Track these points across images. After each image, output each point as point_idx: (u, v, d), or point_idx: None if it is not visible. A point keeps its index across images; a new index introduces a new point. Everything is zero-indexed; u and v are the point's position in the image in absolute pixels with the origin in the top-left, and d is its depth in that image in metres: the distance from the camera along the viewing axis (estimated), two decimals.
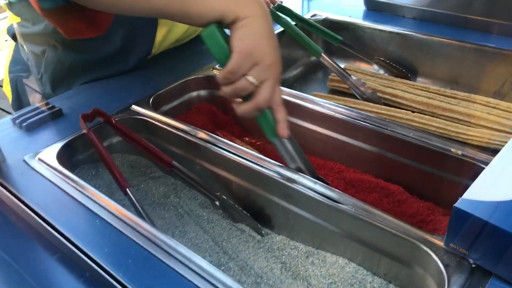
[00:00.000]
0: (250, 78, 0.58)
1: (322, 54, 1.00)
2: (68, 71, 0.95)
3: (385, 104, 0.96)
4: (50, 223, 0.61)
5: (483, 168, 0.67)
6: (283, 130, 0.64)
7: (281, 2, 1.27)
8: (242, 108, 0.62)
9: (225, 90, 0.61)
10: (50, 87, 0.99)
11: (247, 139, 0.92)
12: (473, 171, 0.69)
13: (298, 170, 0.68)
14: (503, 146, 0.82)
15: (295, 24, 1.06)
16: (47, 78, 0.97)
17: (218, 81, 0.62)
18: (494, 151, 0.81)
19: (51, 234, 0.60)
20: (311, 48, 1.01)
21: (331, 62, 1.00)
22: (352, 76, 1.00)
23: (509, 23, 1.04)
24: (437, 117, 0.93)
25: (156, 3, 0.62)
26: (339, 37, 1.05)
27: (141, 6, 0.63)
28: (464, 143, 0.85)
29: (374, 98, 0.97)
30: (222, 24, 0.60)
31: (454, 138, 0.87)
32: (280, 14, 1.07)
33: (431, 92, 0.99)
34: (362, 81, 0.99)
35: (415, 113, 0.91)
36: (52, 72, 0.96)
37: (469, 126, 0.89)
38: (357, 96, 0.98)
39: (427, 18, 1.14)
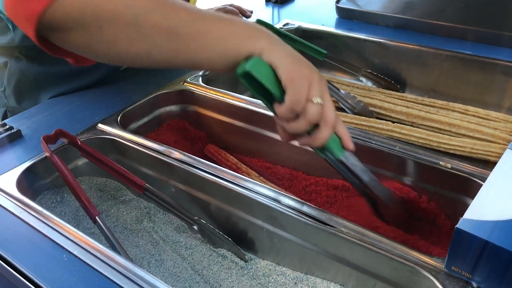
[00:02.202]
0: (315, 99, 0.51)
1: None
2: (33, 83, 0.91)
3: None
4: (9, 262, 0.54)
5: (474, 181, 0.65)
6: (349, 144, 0.58)
7: (251, 12, 1.24)
8: (319, 137, 0.54)
9: (295, 126, 0.53)
10: (14, 100, 0.93)
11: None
12: (464, 184, 0.66)
13: (371, 178, 0.62)
14: (486, 155, 0.82)
15: None
16: (11, 90, 0.92)
17: (283, 122, 0.54)
18: (480, 162, 0.81)
19: (11, 275, 0.53)
20: None
21: None
22: (340, 90, 0.97)
23: (483, 29, 1.03)
24: (417, 127, 0.91)
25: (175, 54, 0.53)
26: (323, 51, 1.01)
27: (155, 54, 0.54)
28: (447, 153, 0.82)
29: (365, 111, 0.94)
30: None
31: (436, 148, 0.85)
32: None
33: (409, 101, 0.97)
34: (352, 94, 0.96)
35: (395, 124, 0.89)
36: (15, 84, 0.91)
37: (450, 135, 0.87)
38: (347, 111, 0.95)
39: (401, 26, 1.13)
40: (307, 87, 0.51)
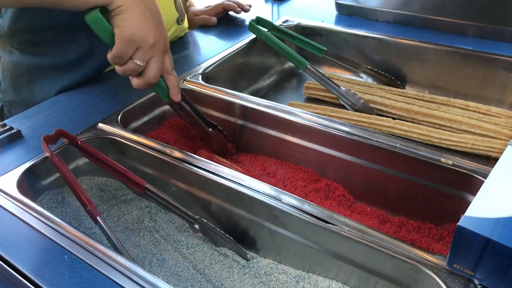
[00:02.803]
0: (136, 61, 0.64)
1: (308, 66, 0.96)
2: (28, 76, 0.92)
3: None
4: (10, 263, 0.54)
5: (475, 178, 0.65)
6: (175, 96, 0.72)
7: (250, 6, 1.23)
8: (135, 84, 0.68)
9: (117, 70, 0.66)
10: (12, 93, 0.94)
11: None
12: (466, 181, 0.66)
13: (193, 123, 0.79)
14: (487, 151, 0.81)
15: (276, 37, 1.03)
16: (7, 84, 0.93)
17: (109, 61, 0.65)
18: (481, 158, 0.80)
19: (12, 276, 0.53)
20: (296, 61, 0.98)
21: (318, 74, 0.97)
22: (341, 87, 0.96)
23: (484, 24, 1.03)
24: (418, 123, 0.91)
25: None
26: (323, 47, 1.01)
27: None
28: (448, 150, 0.82)
29: (366, 108, 0.93)
30: (106, 9, 0.63)
31: (437, 145, 0.85)
32: (260, 28, 1.04)
33: (409, 97, 0.97)
34: (352, 91, 0.95)
35: (396, 120, 0.88)
36: (11, 77, 0.92)
37: (451, 131, 0.87)
38: (348, 108, 0.95)
39: (401, 22, 1.12)
40: (132, 49, 0.63)
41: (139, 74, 0.67)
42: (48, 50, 0.90)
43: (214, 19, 1.20)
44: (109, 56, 0.64)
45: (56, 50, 0.90)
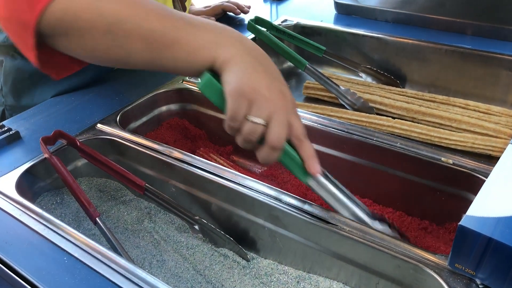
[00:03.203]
0: (252, 117, 0.52)
1: (307, 65, 0.96)
2: (30, 81, 0.91)
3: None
4: (9, 265, 0.54)
5: (476, 177, 0.65)
6: (313, 167, 0.56)
7: (249, 7, 1.23)
8: (260, 155, 0.55)
9: (239, 140, 0.55)
10: (12, 99, 0.94)
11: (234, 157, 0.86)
12: (466, 180, 0.66)
13: (349, 212, 0.59)
14: (488, 150, 0.81)
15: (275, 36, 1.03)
16: (8, 89, 0.93)
17: (227, 130, 0.56)
18: (482, 157, 0.80)
19: (11, 278, 0.53)
20: (295, 60, 0.98)
21: (317, 73, 0.97)
22: (340, 86, 0.96)
23: (483, 23, 1.03)
24: (418, 123, 0.90)
25: (142, 56, 0.56)
26: (322, 47, 1.01)
27: (133, 61, 0.58)
28: (449, 149, 0.82)
29: (365, 107, 0.93)
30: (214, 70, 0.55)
31: (437, 144, 0.84)
32: (259, 27, 1.03)
33: (409, 97, 0.97)
34: (351, 90, 0.95)
35: (395, 119, 0.88)
36: (12, 83, 0.92)
37: (451, 130, 0.87)
38: (347, 107, 0.94)
39: (400, 21, 1.12)
40: (245, 105, 0.52)
41: (262, 141, 0.54)
42: None
43: (213, 20, 1.20)
44: (226, 123, 0.54)
45: None
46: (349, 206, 0.59)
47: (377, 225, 0.58)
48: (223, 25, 0.57)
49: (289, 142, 0.55)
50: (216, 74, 0.54)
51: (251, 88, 0.52)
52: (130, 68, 0.62)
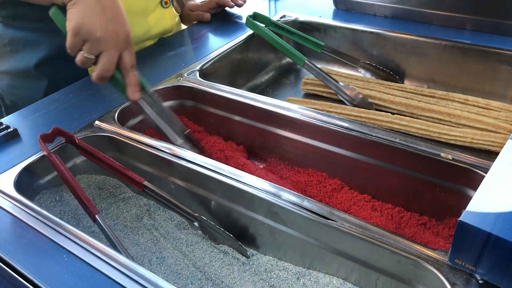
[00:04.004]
0: (83, 53, 0.66)
1: (306, 61, 0.96)
2: (10, 46, 0.97)
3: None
4: (8, 263, 0.54)
5: (475, 172, 0.65)
6: (133, 94, 0.70)
7: (244, 1, 1.23)
8: (92, 78, 0.69)
9: (75, 61, 0.68)
10: None
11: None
12: (466, 176, 0.66)
13: (160, 131, 0.73)
14: (487, 145, 0.81)
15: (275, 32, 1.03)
16: None
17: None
18: (481, 152, 0.80)
19: (11, 276, 0.53)
20: (293, 56, 0.97)
21: (316, 69, 0.96)
22: (339, 82, 0.96)
23: (482, 18, 1.02)
24: (417, 118, 0.90)
25: None
26: (321, 43, 1.01)
27: None
28: (448, 144, 0.82)
29: (364, 103, 0.93)
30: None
31: (436, 139, 0.84)
32: (258, 23, 1.03)
33: (408, 92, 0.97)
34: (351, 86, 0.95)
35: (395, 115, 0.88)
36: None
37: (451, 125, 0.87)
38: (346, 103, 0.94)
39: (399, 16, 1.12)
40: (80, 42, 0.65)
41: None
42: (28, 24, 0.95)
43: (208, 15, 1.19)
44: (66, 47, 0.67)
45: (34, 24, 0.94)
46: (158, 126, 0.73)
47: (179, 142, 0.74)
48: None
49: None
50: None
51: (86, 30, 0.65)
52: None
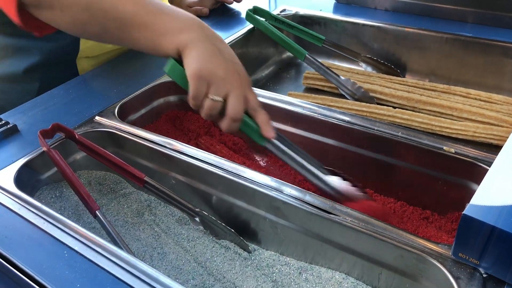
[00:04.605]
0: (211, 96, 0.61)
1: (307, 55, 0.95)
2: (3, 52, 0.96)
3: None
4: (9, 260, 0.53)
5: (478, 166, 0.64)
6: (268, 132, 0.64)
7: None
8: (222, 126, 0.64)
9: (202, 114, 0.63)
10: None
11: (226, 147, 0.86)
12: (468, 169, 0.65)
13: (303, 168, 0.65)
14: (489, 139, 0.81)
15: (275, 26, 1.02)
16: None
17: (192, 106, 0.64)
18: (483, 146, 0.80)
19: (11, 273, 0.53)
20: (294, 50, 0.97)
21: (317, 63, 0.96)
22: (340, 76, 0.95)
23: (484, 11, 1.02)
24: (419, 112, 0.90)
25: (122, 37, 0.65)
26: (321, 36, 1.00)
27: (107, 37, 0.67)
28: (450, 138, 0.81)
29: (366, 97, 0.92)
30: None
31: (439, 133, 0.84)
32: (258, 17, 1.02)
33: (409, 86, 0.96)
34: (352, 80, 0.94)
35: (396, 109, 0.88)
36: None
37: (452, 119, 0.86)
38: (347, 97, 0.94)
39: (400, 9, 1.11)
40: (205, 86, 0.60)
41: (223, 114, 0.63)
42: (18, 30, 0.91)
43: (206, 10, 1.19)
44: (189, 101, 0.62)
45: (23, 32, 0.91)
46: (302, 163, 0.66)
47: (330, 178, 0.65)
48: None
49: (248, 114, 0.64)
50: (180, 59, 0.62)
51: (208, 71, 0.60)
52: (104, 42, 0.76)
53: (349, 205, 0.60)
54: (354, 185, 0.66)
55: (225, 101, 0.61)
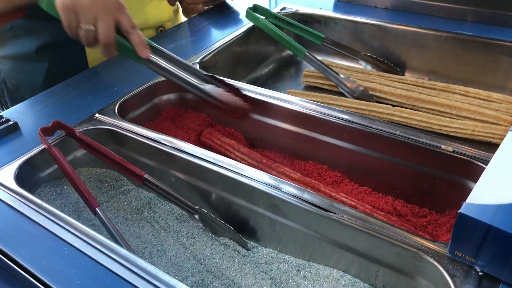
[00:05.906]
0: (82, 25, 0.66)
1: (306, 54, 0.96)
2: (12, 32, 0.98)
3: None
4: (10, 256, 0.54)
5: (476, 164, 0.65)
6: (142, 52, 0.69)
7: None
8: (101, 52, 0.69)
9: (83, 44, 0.69)
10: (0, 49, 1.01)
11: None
12: (466, 168, 0.66)
13: (183, 81, 0.71)
14: (488, 137, 0.81)
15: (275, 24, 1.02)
16: None
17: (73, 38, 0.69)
18: (482, 144, 0.80)
19: (12, 269, 0.53)
20: (294, 48, 0.97)
21: (316, 61, 0.96)
22: (340, 74, 0.96)
23: (483, 9, 1.02)
24: (418, 110, 0.90)
25: None
26: (321, 35, 1.01)
27: None
28: (449, 136, 0.82)
29: (365, 95, 0.93)
30: None
31: (437, 131, 0.84)
32: (258, 15, 1.02)
33: (409, 84, 0.96)
34: (351, 78, 0.95)
35: (395, 107, 0.88)
36: None
37: (451, 118, 0.87)
38: (347, 95, 0.94)
39: (400, 8, 1.11)
40: (73, 16, 0.65)
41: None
42: (28, 11, 0.92)
43: (200, 6, 1.19)
44: (67, 31, 0.68)
45: (34, 12, 0.91)
46: (181, 76, 0.71)
47: (207, 87, 0.71)
48: None
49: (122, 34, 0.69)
50: None
51: (72, 1, 0.65)
52: None
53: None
54: (229, 90, 0.72)
55: (95, 29, 0.66)
